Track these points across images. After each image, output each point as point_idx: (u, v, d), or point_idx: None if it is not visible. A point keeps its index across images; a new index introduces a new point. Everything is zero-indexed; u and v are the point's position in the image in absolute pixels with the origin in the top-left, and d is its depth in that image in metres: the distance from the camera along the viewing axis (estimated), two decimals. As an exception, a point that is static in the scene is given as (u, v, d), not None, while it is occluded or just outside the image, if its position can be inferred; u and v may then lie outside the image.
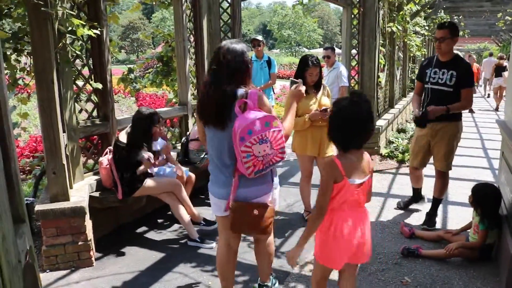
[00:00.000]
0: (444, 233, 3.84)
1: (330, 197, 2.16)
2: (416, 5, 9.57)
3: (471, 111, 12.66)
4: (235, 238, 2.75)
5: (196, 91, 5.75)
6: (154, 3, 5.87)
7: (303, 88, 2.82)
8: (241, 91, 2.41)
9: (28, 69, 3.78)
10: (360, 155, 2.22)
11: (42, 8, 2.94)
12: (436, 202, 4.19)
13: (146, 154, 3.72)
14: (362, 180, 2.20)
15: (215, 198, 2.62)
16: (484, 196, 3.47)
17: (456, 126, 3.93)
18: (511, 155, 3.46)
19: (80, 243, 3.42)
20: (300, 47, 57.65)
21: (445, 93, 3.84)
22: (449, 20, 13.70)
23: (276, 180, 2.63)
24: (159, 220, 4.46)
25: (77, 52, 3.61)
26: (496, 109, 13.38)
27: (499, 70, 13.15)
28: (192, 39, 5.51)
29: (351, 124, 2.13)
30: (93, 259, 3.52)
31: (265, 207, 2.49)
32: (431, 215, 4.16)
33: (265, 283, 2.92)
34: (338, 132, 2.19)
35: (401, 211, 4.60)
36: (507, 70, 12.10)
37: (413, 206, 4.62)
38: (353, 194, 2.17)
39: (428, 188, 4.62)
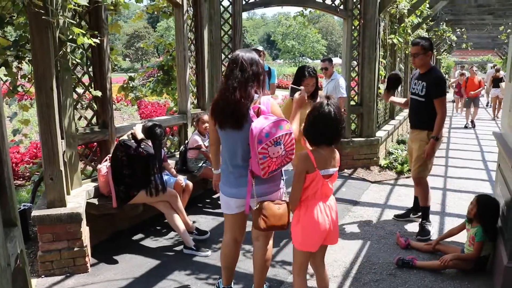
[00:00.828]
0: (425, 245, 3.86)
1: (303, 187, 2.47)
2: (418, 18, 9.63)
3: (472, 124, 12.66)
4: (241, 233, 2.92)
5: (196, 100, 5.79)
6: (156, 12, 5.96)
7: (305, 95, 2.91)
8: (255, 96, 2.60)
9: (29, 76, 3.83)
10: (330, 151, 2.53)
11: (43, 17, 2.99)
12: (422, 210, 4.29)
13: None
14: (331, 172, 2.52)
15: (225, 196, 2.79)
16: (488, 209, 3.48)
17: (427, 136, 4.07)
18: (507, 167, 3.46)
19: (75, 249, 3.43)
20: (303, 57, 57.87)
21: (419, 102, 4.12)
22: (451, 31, 13.86)
23: (283, 182, 2.79)
24: (156, 228, 4.47)
25: (77, 60, 3.67)
26: (496, 117, 13.85)
27: (496, 81, 13.87)
28: (192, 48, 5.57)
29: (320, 122, 2.45)
30: (88, 265, 3.53)
31: (286, 203, 2.68)
32: (422, 225, 4.20)
33: (259, 292, 2.93)
34: (310, 128, 2.51)
35: (398, 222, 4.59)
36: (503, 81, 12.54)
37: (411, 217, 4.62)
38: (324, 184, 2.48)
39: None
